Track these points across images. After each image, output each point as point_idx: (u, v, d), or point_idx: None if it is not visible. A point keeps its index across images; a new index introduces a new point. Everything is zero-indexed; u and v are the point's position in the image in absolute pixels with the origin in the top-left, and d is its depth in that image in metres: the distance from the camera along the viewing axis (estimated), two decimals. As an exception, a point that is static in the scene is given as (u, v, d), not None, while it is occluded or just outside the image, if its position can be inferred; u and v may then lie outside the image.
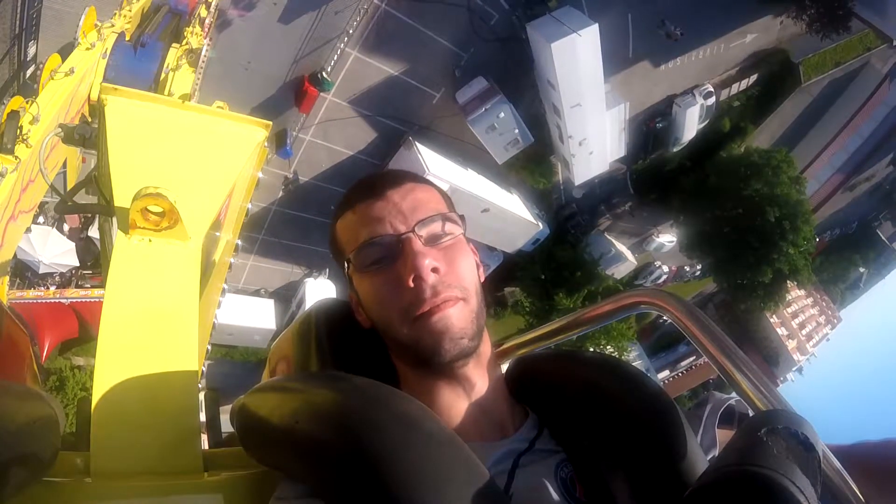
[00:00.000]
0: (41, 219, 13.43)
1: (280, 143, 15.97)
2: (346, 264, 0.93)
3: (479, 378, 0.91)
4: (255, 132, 1.97)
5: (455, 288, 0.87)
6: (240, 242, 2.57)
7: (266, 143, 2.05)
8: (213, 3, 5.15)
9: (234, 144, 1.88)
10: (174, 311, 1.22)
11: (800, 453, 0.62)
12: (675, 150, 25.13)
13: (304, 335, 1.08)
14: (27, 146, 2.11)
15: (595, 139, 20.07)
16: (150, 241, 1.32)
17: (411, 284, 0.84)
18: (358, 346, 1.01)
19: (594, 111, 18.89)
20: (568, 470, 0.86)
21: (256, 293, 19.76)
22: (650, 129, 23.80)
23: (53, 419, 0.87)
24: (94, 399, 1.01)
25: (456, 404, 0.89)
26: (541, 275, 23.12)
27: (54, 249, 12.76)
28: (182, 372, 1.11)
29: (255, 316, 18.60)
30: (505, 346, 1.19)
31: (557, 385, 0.96)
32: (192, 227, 1.36)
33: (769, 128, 27.58)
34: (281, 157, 16.47)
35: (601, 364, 0.96)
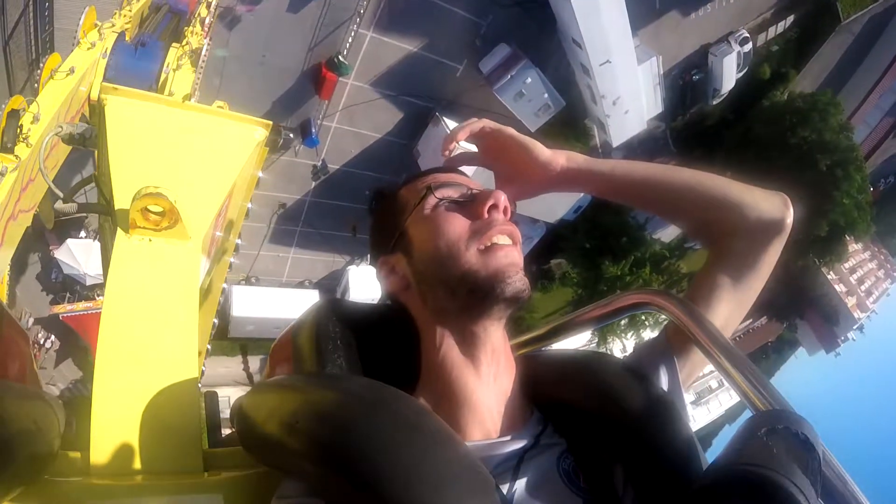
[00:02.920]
0: (83, 233, 13.94)
1: (305, 132, 16.03)
2: (409, 213, 0.93)
3: (504, 357, 0.91)
4: (255, 131, 1.97)
5: (519, 232, 0.90)
6: (240, 242, 2.59)
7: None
8: (214, 3, 5.18)
9: (234, 144, 1.88)
10: (174, 311, 1.23)
11: (800, 453, 0.63)
12: (714, 102, 24.04)
13: (303, 334, 1.06)
14: (27, 145, 2.16)
15: (629, 97, 19.21)
16: (150, 240, 1.32)
17: (486, 214, 0.88)
18: (357, 346, 0.99)
19: (625, 67, 18.03)
20: (569, 460, 0.85)
21: (300, 285, 20.05)
22: (686, 83, 22.81)
23: (53, 419, 0.89)
24: (94, 399, 1.02)
25: (477, 391, 0.87)
26: (585, 244, 22.73)
27: (98, 261, 13.32)
28: (182, 371, 1.11)
29: (300, 308, 18.89)
30: None
31: (561, 383, 0.95)
32: (192, 226, 1.36)
33: (811, 72, 26.07)
34: (308, 146, 16.52)
35: (603, 363, 0.95)
